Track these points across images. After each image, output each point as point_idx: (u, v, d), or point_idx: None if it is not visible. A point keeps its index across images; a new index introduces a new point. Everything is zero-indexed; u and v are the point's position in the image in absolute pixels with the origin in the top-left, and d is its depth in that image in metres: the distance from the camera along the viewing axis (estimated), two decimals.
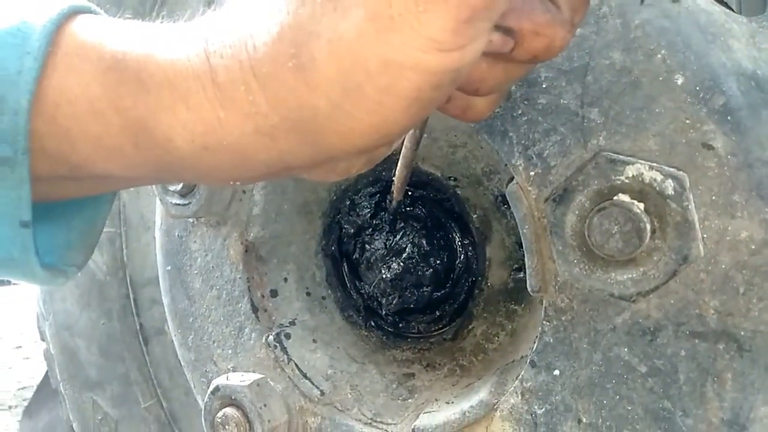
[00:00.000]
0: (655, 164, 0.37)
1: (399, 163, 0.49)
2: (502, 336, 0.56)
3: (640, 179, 0.37)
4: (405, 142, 0.46)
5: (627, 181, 0.37)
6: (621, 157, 0.38)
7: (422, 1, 0.25)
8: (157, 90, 0.29)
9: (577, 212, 0.39)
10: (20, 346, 3.24)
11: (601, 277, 0.39)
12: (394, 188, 0.51)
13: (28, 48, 0.28)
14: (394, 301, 0.57)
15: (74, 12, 0.31)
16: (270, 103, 0.28)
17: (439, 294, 0.57)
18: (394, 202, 0.53)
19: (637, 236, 0.36)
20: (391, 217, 0.55)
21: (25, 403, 1.65)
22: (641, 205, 0.37)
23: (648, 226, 0.36)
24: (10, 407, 2.46)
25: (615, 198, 0.37)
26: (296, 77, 0.27)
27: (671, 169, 0.37)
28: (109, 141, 0.30)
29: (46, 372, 1.27)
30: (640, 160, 0.37)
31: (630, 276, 0.38)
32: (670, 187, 0.36)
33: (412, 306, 0.58)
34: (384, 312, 0.59)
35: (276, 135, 0.28)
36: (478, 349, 0.57)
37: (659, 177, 0.36)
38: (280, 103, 0.28)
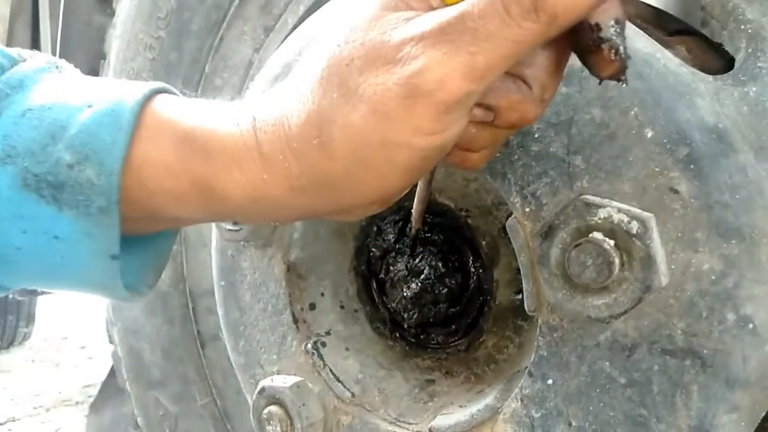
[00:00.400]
0: (623, 207, 0.44)
1: (415, 199, 0.57)
2: (511, 348, 0.63)
3: (610, 220, 0.44)
4: (419, 183, 0.54)
5: (599, 221, 0.44)
6: (595, 200, 0.45)
7: (410, 101, 0.33)
8: (218, 157, 0.37)
9: (559, 246, 0.46)
10: (84, 347, 3.45)
11: (580, 302, 0.45)
12: (413, 219, 0.59)
13: (120, 125, 0.37)
14: (414, 316, 0.65)
15: (154, 93, 0.40)
16: (301, 169, 0.36)
17: (454, 310, 0.65)
18: (413, 231, 0.61)
19: (607, 268, 0.43)
20: (411, 243, 0.63)
21: (90, 400, 1.80)
22: (611, 242, 0.43)
23: (617, 260, 0.43)
24: (77, 403, 2.65)
25: (590, 235, 0.44)
26: (319, 151, 0.36)
27: (637, 212, 0.44)
28: (180, 194, 0.38)
29: (109, 370, 1.40)
30: (611, 204, 0.44)
31: (604, 301, 0.45)
32: (635, 227, 0.43)
33: (430, 320, 0.65)
34: (406, 325, 0.67)
35: (305, 192, 0.37)
36: (490, 359, 0.64)
37: (626, 219, 0.43)
38: (308, 170, 0.36)
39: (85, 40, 1.14)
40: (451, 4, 0.34)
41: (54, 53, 1.26)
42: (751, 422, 0.46)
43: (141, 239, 0.44)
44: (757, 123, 0.46)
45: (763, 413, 0.47)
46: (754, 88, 0.47)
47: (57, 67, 0.42)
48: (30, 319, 3.55)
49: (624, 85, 0.37)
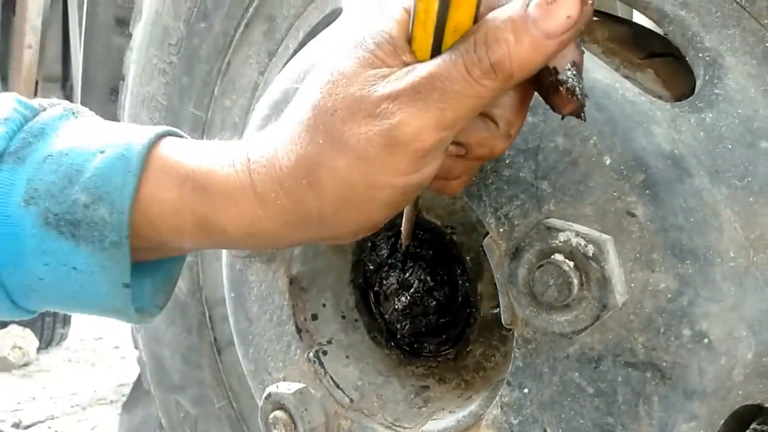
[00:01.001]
0: (581, 231, 0.47)
1: (404, 219, 0.61)
2: (498, 356, 0.66)
3: (569, 243, 0.47)
4: (406, 207, 0.58)
5: (560, 244, 0.47)
6: (557, 224, 0.48)
7: (390, 149, 0.38)
8: (216, 196, 0.42)
9: (526, 266, 0.49)
10: (118, 347, 3.57)
11: (545, 318, 0.49)
12: (402, 237, 0.63)
13: (129, 168, 0.42)
14: (406, 326, 0.69)
15: (160, 137, 0.45)
16: (293, 207, 0.41)
17: (443, 321, 0.69)
18: (403, 247, 0.65)
19: (567, 288, 0.47)
20: (402, 258, 0.67)
21: (124, 398, 1.88)
22: (571, 263, 0.47)
23: (575, 281, 0.46)
24: (111, 402, 2.75)
25: (552, 257, 0.47)
26: (309, 191, 0.40)
27: (594, 235, 0.47)
28: (183, 230, 0.43)
29: (140, 372, 1.47)
30: (570, 228, 0.47)
31: (566, 318, 0.48)
32: (591, 250, 0.46)
33: (422, 330, 0.69)
34: (399, 335, 0.71)
35: (297, 226, 0.42)
36: (479, 367, 0.68)
37: (583, 242, 0.46)
38: (299, 208, 0.41)
39: (106, 59, 1.21)
40: (421, 58, 0.39)
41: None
42: (709, 430, 0.49)
43: (150, 265, 0.49)
44: (712, 148, 0.49)
45: (721, 422, 0.50)
46: (710, 115, 0.49)
47: (74, 113, 0.47)
48: (66, 320, 3.69)
49: (583, 120, 0.40)
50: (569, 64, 0.39)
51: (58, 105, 0.47)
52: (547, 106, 0.51)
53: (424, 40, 0.38)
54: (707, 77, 0.50)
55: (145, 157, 0.42)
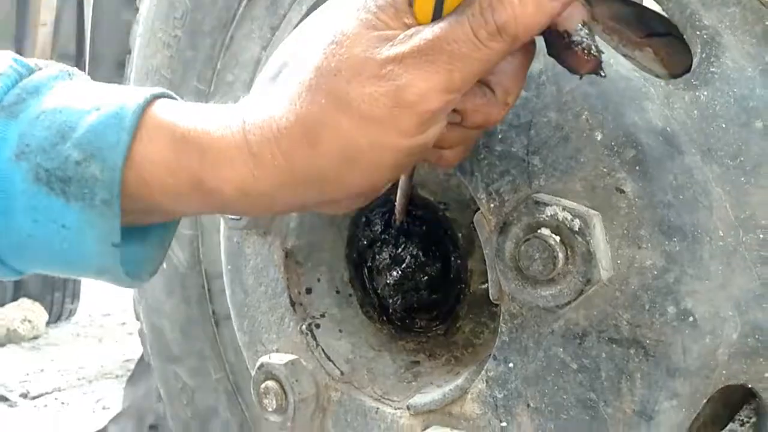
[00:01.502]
0: (568, 205, 0.47)
1: (398, 193, 0.61)
2: (487, 333, 0.67)
3: (556, 217, 0.47)
4: (401, 178, 0.58)
5: (547, 218, 0.47)
6: (544, 199, 0.48)
7: (397, 110, 0.38)
8: (211, 156, 0.41)
9: (513, 241, 0.49)
10: (125, 323, 3.61)
11: (530, 292, 0.49)
12: (397, 211, 0.63)
13: (123, 126, 0.41)
14: (398, 301, 0.69)
15: (155, 98, 0.44)
16: (289, 166, 0.41)
17: (434, 297, 0.69)
18: (397, 222, 0.65)
19: (552, 262, 0.47)
20: (396, 233, 0.67)
21: (129, 373, 1.91)
22: (557, 238, 0.47)
23: (561, 255, 0.46)
24: (116, 376, 2.79)
25: (538, 231, 0.47)
26: (308, 150, 0.40)
27: (581, 210, 0.47)
28: (177, 190, 0.42)
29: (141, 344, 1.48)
30: (558, 203, 0.47)
31: (550, 292, 0.48)
32: (576, 224, 0.46)
33: (413, 306, 0.70)
34: (391, 309, 0.71)
35: (294, 187, 0.42)
36: (468, 343, 0.68)
37: (569, 216, 0.46)
38: (296, 166, 0.40)
39: (114, 34, 1.21)
40: (422, 21, 0.39)
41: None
42: (691, 409, 0.49)
43: (142, 230, 0.48)
44: (706, 126, 0.48)
45: (704, 401, 0.50)
46: (705, 93, 0.49)
47: (69, 75, 0.47)
48: (75, 296, 3.73)
49: (603, 77, 0.41)
50: (580, 25, 0.39)
51: (54, 65, 0.47)
52: (540, 81, 0.51)
53: (426, 2, 0.39)
54: (704, 55, 0.50)
55: (139, 116, 0.42)
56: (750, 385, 0.49)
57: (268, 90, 0.44)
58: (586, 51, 0.39)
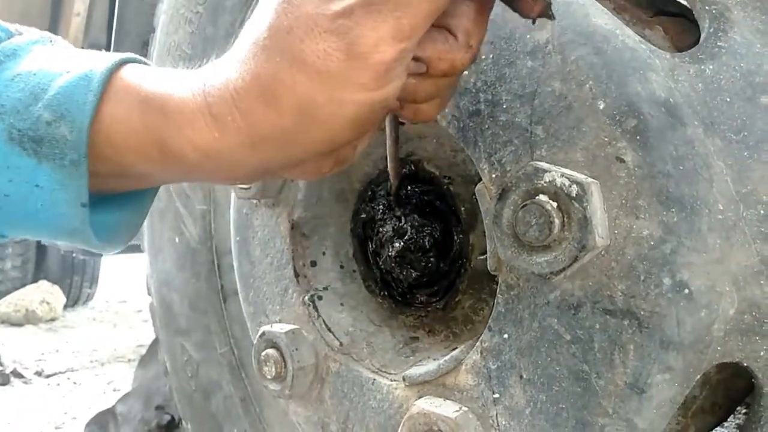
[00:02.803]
0: (566, 172, 0.47)
1: (388, 158, 0.61)
2: (486, 310, 0.67)
3: (554, 184, 0.47)
4: (387, 142, 0.59)
5: (545, 185, 0.47)
6: (544, 166, 0.48)
7: (351, 62, 0.38)
8: (174, 118, 0.42)
9: (511, 207, 0.50)
10: (140, 310, 3.67)
11: (525, 259, 0.49)
12: (390, 177, 0.63)
13: (91, 88, 0.42)
14: (399, 275, 0.70)
15: (124, 62, 0.45)
16: (249, 125, 0.41)
17: (436, 270, 0.69)
18: (393, 188, 0.66)
19: (548, 228, 0.47)
20: (394, 200, 0.67)
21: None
22: (554, 204, 0.47)
23: (557, 221, 0.46)
24: (129, 360, 2.84)
25: (536, 198, 0.48)
26: (266, 108, 0.40)
27: (579, 177, 0.47)
28: (142, 150, 0.43)
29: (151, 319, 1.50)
30: (555, 169, 0.48)
31: (545, 259, 0.48)
32: (574, 191, 0.46)
33: (415, 279, 0.70)
34: (394, 284, 0.72)
35: (255, 146, 0.42)
36: (467, 319, 0.68)
37: (567, 182, 0.46)
38: (256, 125, 0.41)
39: (140, 14, 1.24)
40: None
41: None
42: (684, 384, 0.49)
43: (116, 198, 0.49)
44: (710, 100, 0.48)
45: (698, 376, 0.49)
46: (711, 66, 0.49)
47: (50, 41, 0.48)
48: (94, 280, 3.80)
49: (552, 19, 0.41)
50: None
51: (34, 31, 0.49)
52: (546, 51, 0.51)
53: None
54: (712, 29, 0.50)
55: (107, 79, 0.43)
56: (745, 364, 0.49)
57: (225, 55, 0.44)
58: None
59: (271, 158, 0.42)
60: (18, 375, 2.57)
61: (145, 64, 0.47)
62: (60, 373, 2.66)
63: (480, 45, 0.43)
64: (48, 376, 2.62)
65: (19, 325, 3.40)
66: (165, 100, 0.42)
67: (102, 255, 2.77)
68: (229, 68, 0.41)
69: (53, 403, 2.28)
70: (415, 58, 0.41)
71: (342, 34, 0.37)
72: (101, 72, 0.43)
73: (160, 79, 0.44)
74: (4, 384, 2.48)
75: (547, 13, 0.41)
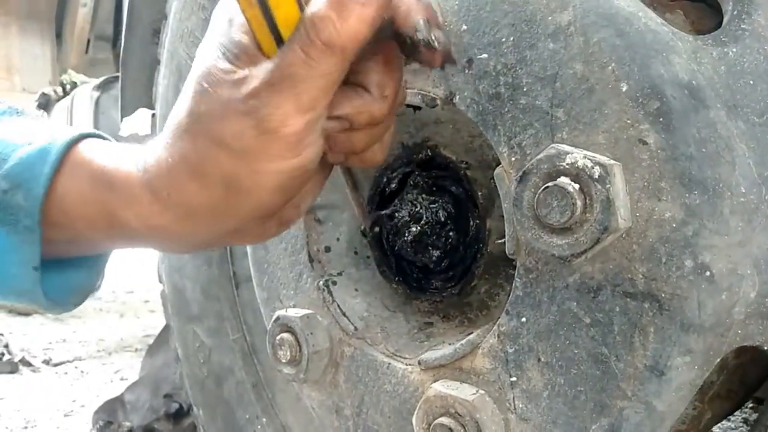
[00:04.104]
0: (589, 154, 0.47)
1: (353, 203, 0.62)
2: (502, 295, 0.67)
3: (576, 165, 0.47)
4: (347, 190, 0.60)
5: (567, 166, 0.47)
6: (565, 148, 0.48)
7: (264, 138, 0.41)
8: (120, 191, 0.45)
9: (532, 189, 0.50)
10: (148, 300, 3.68)
11: (546, 241, 0.49)
12: (360, 219, 0.64)
13: (48, 160, 0.46)
14: (415, 260, 0.70)
15: (83, 137, 0.48)
16: (181, 200, 0.44)
17: (452, 257, 0.69)
18: (367, 229, 0.67)
19: (570, 210, 0.47)
20: (369, 236, 0.70)
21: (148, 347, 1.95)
22: (576, 186, 0.47)
23: (579, 203, 0.46)
24: (136, 350, 2.85)
25: (558, 179, 0.48)
26: (194, 184, 0.43)
27: (601, 159, 0.47)
28: (92, 220, 0.46)
29: (166, 324, 1.51)
30: (577, 151, 0.48)
31: (566, 241, 0.48)
32: (596, 172, 0.46)
33: (431, 263, 0.70)
34: (408, 270, 0.72)
35: (192, 220, 0.44)
36: (483, 305, 0.68)
37: (589, 164, 0.46)
38: (188, 200, 0.44)
39: (150, 1, 1.24)
40: (271, 55, 0.41)
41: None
42: (704, 366, 0.49)
43: (71, 263, 0.52)
44: (733, 82, 0.48)
45: (718, 360, 0.49)
46: (734, 49, 0.48)
47: (17, 112, 0.52)
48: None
49: (455, 65, 0.43)
50: (422, 22, 0.42)
51: (4, 103, 0.52)
52: (568, 32, 0.51)
53: (267, 40, 0.41)
54: (735, 12, 0.49)
55: (64, 152, 0.46)
56: (766, 347, 0.49)
57: (162, 133, 0.47)
58: (427, 46, 0.42)
59: (209, 230, 0.45)
60: (26, 363, 2.59)
61: (103, 138, 0.50)
62: (68, 362, 2.68)
63: (396, 94, 0.46)
64: (56, 365, 2.64)
65: (27, 314, 3.42)
66: (113, 175, 0.45)
67: None
68: (161, 148, 0.45)
69: (61, 391, 2.30)
70: (336, 117, 0.44)
71: (252, 114, 0.41)
72: (59, 145, 0.46)
73: (113, 153, 0.47)
74: (12, 372, 2.50)
75: (448, 60, 0.44)
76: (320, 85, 0.41)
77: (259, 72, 0.41)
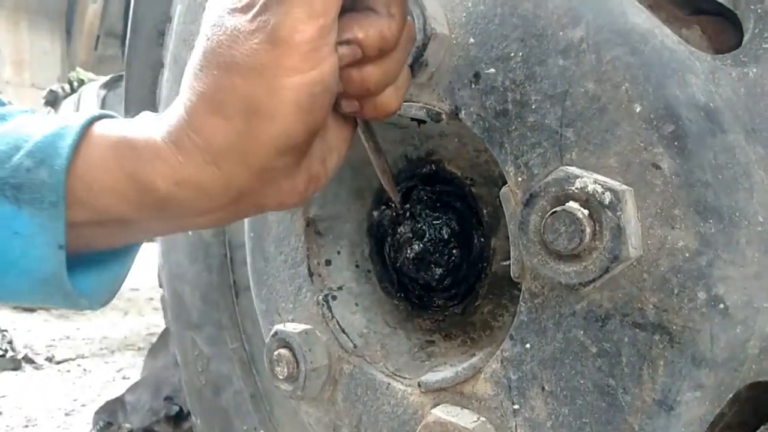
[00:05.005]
0: (599, 179, 0.45)
1: (378, 172, 0.59)
2: (506, 316, 0.65)
3: (585, 190, 0.45)
4: (370, 156, 0.57)
5: (576, 191, 0.45)
6: (575, 171, 0.46)
7: (277, 50, 0.40)
8: (143, 152, 0.44)
9: (539, 213, 0.47)
10: (152, 298, 3.68)
11: (553, 267, 0.47)
12: (389, 192, 0.61)
13: (69, 134, 0.45)
14: (417, 278, 0.68)
15: (98, 117, 0.48)
16: (204, 140, 0.43)
17: (455, 275, 0.67)
18: (397, 204, 0.64)
19: (579, 236, 0.44)
20: (402, 212, 0.66)
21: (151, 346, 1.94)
22: (585, 212, 0.45)
23: (588, 229, 0.44)
24: (138, 348, 2.85)
25: (566, 204, 0.45)
26: (215, 118, 0.42)
27: (612, 184, 0.45)
28: (117, 189, 0.45)
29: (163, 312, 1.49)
30: (587, 175, 0.45)
31: (574, 268, 0.46)
32: (607, 198, 0.44)
33: (433, 282, 0.68)
34: (410, 286, 0.70)
35: (217, 162, 0.43)
36: (486, 325, 0.66)
37: (600, 189, 0.44)
38: (211, 138, 0.43)
39: (156, 3, 1.22)
40: None
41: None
42: (715, 402, 0.47)
43: (95, 258, 0.51)
44: (753, 104, 0.46)
45: (729, 395, 0.47)
46: (754, 69, 0.46)
47: (33, 112, 0.52)
48: None
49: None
50: None
51: (23, 107, 0.53)
52: (580, 49, 0.49)
53: None
54: (756, 30, 0.47)
55: (84, 128, 0.46)
56: None
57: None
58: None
59: (236, 173, 0.44)
60: (29, 360, 2.59)
61: (116, 117, 0.50)
62: (70, 359, 2.68)
63: (403, 12, 0.45)
64: (58, 363, 2.64)
65: (31, 310, 3.43)
66: (134, 140, 0.45)
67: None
68: (178, 102, 0.45)
69: (63, 389, 2.29)
70: (346, 41, 0.43)
71: (262, 29, 0.40)
72: (79, 124, 0.46)
73: (128, 125, 0.47)
74: (15, 369, 2.50)
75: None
76: None
77: None
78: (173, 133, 0.44)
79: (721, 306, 0.45)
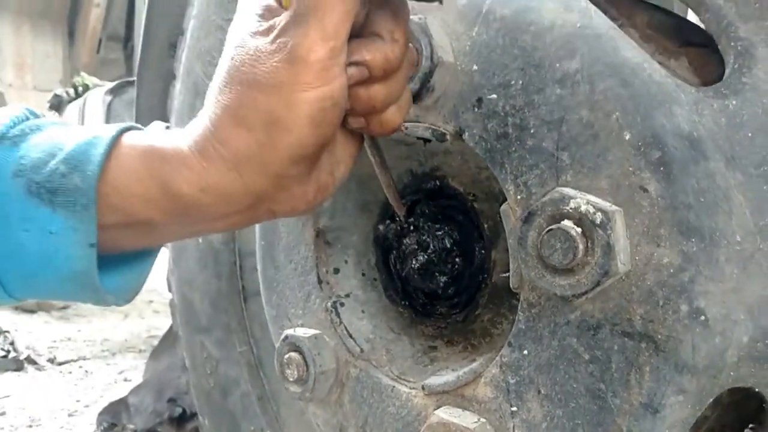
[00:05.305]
0: (592, 200, 0.49)
1: (384, 186, 0.63)
2: (505, 324, 0.69)
3: (579, 210, 0.49)
4: (377, 171, 0.61)
5: (570, 210, 0.49)
6: (570, 192, 0.50)
7: (294, 68, 0.45)
8: (171, 160, 0.49)
9: (536, 230, 0.52)
10: (152, 301, 3.71)
11: (549, 280, 0.51)
12: (394, 206, 0.65)
13: (101, 144, 0.49)
14: (421, 287, 0.72)
15: (127, 129, 0.52)
16: (228, 149, 0.48)
17: (457, 285, 0.71)
18: (401, 217, 0.68)
19: (572, 252, 0.49)
20: (406, 225, 0.70)
21: (152, 348, 1.97)
22: (579, 230, 0.49)
23: (581, 246, 0.49)
24: (140, 350, 2.87)
25: (561, 222, 0.50)
26: (238, 130, 0.47)
27: (604, 205, 0.49)
28: (146, 195, 0.49)
29: (170, 326, 1.53)
30: (582, 197, 0.50)
31: (568, 281, 0.50)
32: (598, 218, 0.48)
33: (437, 291, 0.72)
34: (414, 295, 0.74)
35: (238, 169, 0.48)
36: (486, 332, 0.71)
37: (592, 209, 0.49)
38: (234, 147, 0.48)
39: (168, 15, 1.26)
40: (286, 6, 0.47)
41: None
42: (697, 406, 0.51)
43: (122, 258, 0.55)
44: (732, 134, 0.50)
45: (710, 400, 0.51)
46: (734, 102, 0.51)
47: (65, 124, 0.56)
48: None
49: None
50: None
51: (52, 117, 0.58)
52: (575, 80, 0.53)
53: None
54: (736, 66, 0.51)
55: (115, 138, 0.50)
56: (757, 389, 0.51)
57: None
58: None
59: (255, 180, 0.48)
60: (31, 362, 2.62)
61: (142, 129, 0.55)
62: (72, 361, 2.70)
63: (405, 38, 0.50)
64: (60, 364, 2.66)
65: (32, 311, 3.45)
66: (162, 149, 0.49)
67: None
68: (204, 115, 0.49)
69: (66, 390, 2.32)
70: (355, 63, 0.48)
71: (282, 49, 0.45)
72: (110, 134, 0.50)
73: (155, 136, 0.51)
74: (18, 370, 2.53)
75: None
76: (341, 12, 0.45)
77: (284, 16, 0.46)
78: (199, 142, 0.48)
79: (702, 318, 0.49)
